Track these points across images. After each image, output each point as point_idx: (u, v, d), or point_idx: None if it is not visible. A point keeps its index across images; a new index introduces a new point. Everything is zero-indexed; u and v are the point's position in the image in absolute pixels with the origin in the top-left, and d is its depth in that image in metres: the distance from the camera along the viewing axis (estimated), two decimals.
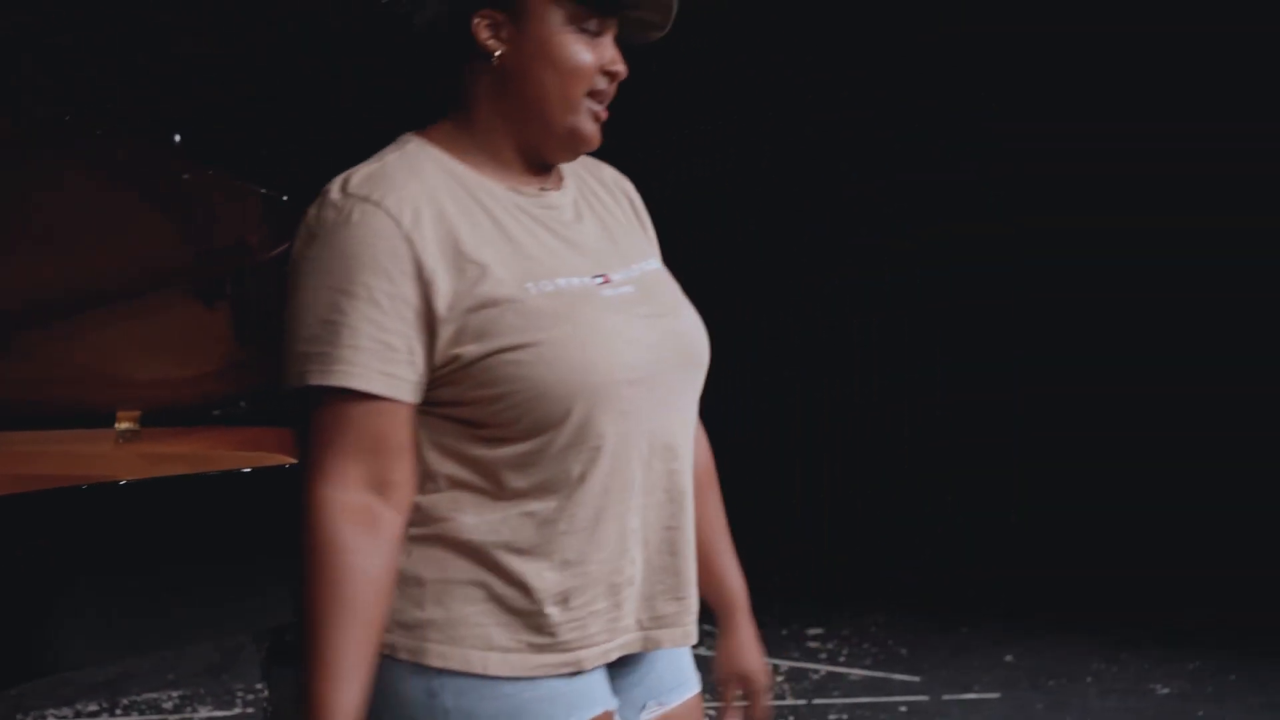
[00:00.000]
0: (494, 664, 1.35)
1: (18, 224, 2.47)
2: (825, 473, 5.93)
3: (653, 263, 1.50)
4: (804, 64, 5.77)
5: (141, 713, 3.97)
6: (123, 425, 2.77)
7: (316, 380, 1.32)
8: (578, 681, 1.38)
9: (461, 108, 1.43)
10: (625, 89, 1.48)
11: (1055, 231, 5.70)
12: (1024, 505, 5.72)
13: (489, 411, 1.34)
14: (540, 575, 1.36)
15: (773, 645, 4.61)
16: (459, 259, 1.34)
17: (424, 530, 1.36)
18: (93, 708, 3.97)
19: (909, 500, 5.82)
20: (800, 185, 5.94)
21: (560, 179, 1.48)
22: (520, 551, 1.36)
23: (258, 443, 2.77)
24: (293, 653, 2.49)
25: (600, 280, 1.40)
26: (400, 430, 1.34)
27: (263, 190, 2.42)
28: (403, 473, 1.34)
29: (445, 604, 1.35)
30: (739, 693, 1.62)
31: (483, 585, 1.36)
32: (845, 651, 4.51)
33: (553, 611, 1.36)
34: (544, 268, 1.38)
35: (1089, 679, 4.20)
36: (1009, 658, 4.41)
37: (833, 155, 5.87)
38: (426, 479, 1.37)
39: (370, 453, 1.33)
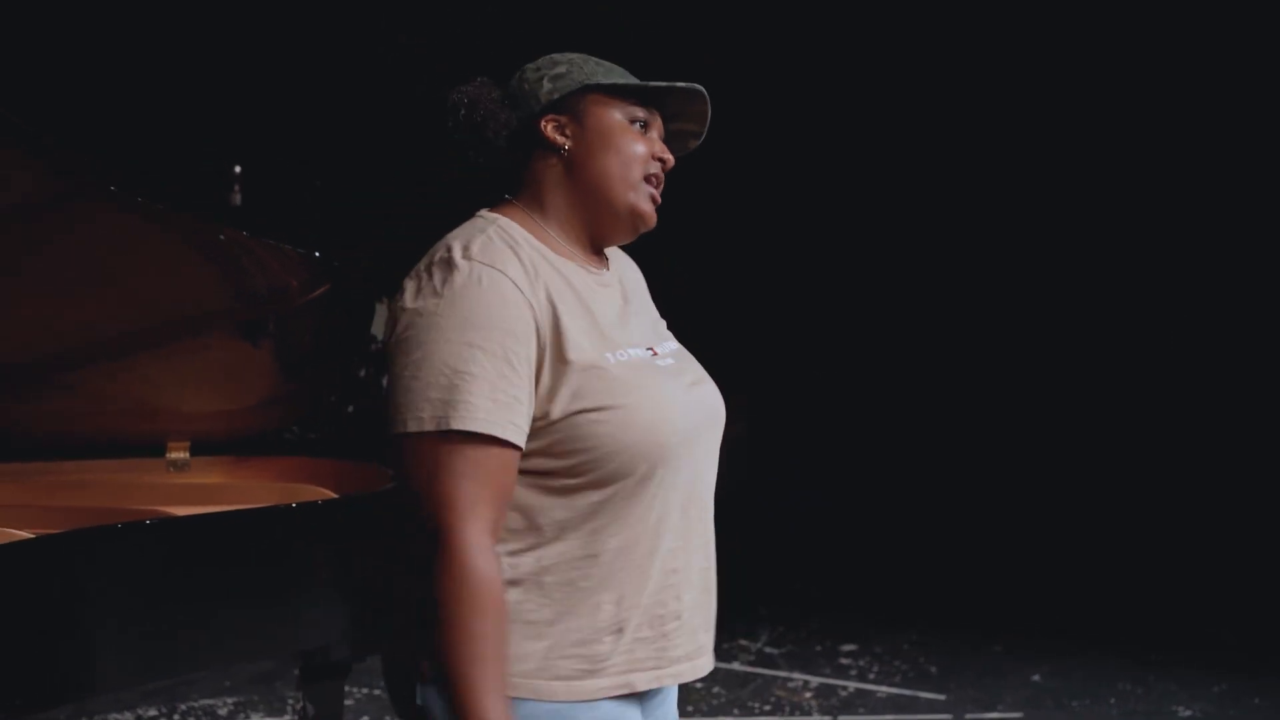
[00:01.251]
0: (560, 691, 1.53)
1: (74, 269, 2.64)
2: (864, 492, 6.01)
3: (674, 343, 1.71)
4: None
5: (198, 717, 4.17)
6: (174, 454, 2.96)
7: (459, 425, 1.46)
8: (627, 705, 1.57)
9: (530, 193, 1.63)
10: None
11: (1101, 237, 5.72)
12: (1062, 525, 5.77)
13: (568, 464, 1.52)
14: (600, 609, 1.54)
15: (805, 661, 4.74)
16: (556, 325, 1.53)
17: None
18: (152, 713, 4.18)
19: (949, 519, 5.89)
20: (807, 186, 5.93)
21: (607, 262, 1.68)
22: (582, 588, 1.54)
23: (297, 472, 2.95)
24: (329, 669, 2.67)
25: (650, 353, 1.61)
26: (514, 472, 1.51)
27: (299, 250, 2.59)
28: (505, 511, 1.52)
29: (514, 637, 1.51)
30: None
31: (547, 621, 1.53)
32: (875, 669, 4.61)
33: (609, 640, 1.55)
34: (615, 340, 1.58)
35: (1113, 700, 4.28)
36: (1036, 677, 4.49)
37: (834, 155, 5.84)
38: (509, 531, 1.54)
39: (498, 497, 1.49)
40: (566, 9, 5.46)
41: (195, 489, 2.80)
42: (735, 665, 4.60)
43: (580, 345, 1.53)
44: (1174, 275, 5.68)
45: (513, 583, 1.53)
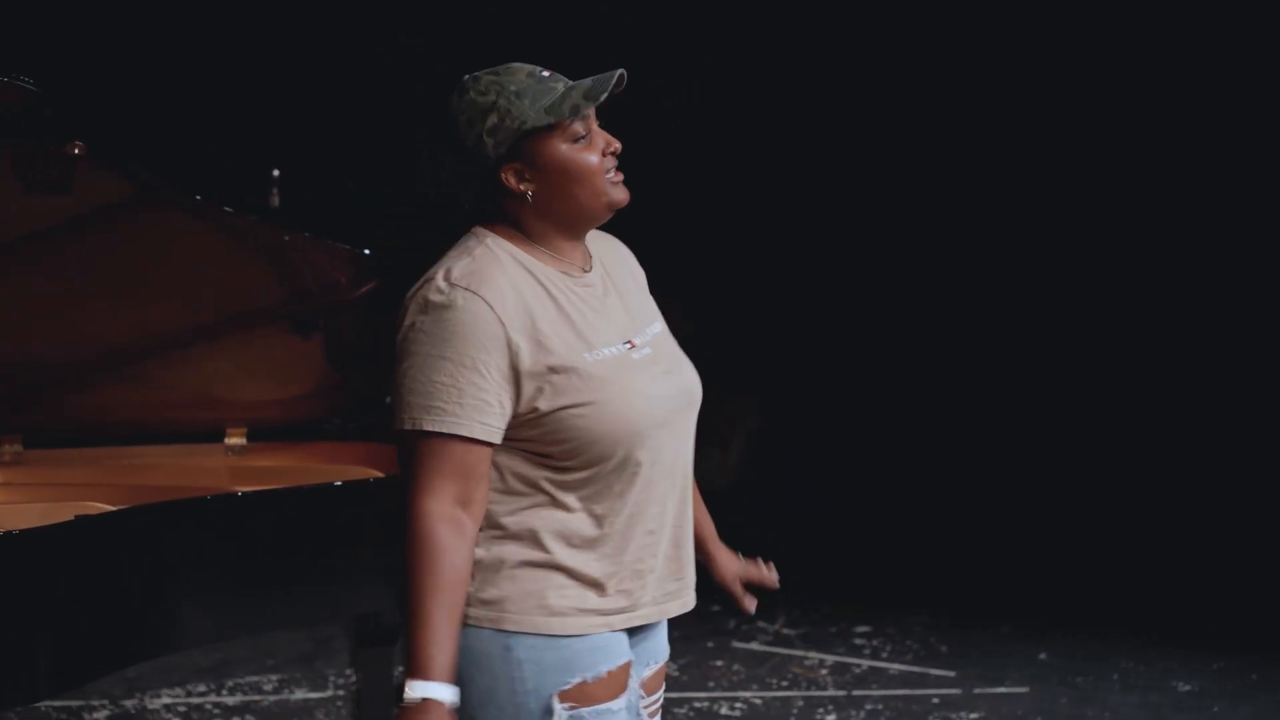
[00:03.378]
0: (555, 625, 1.82)
1: (142, 270, 2.88)
2: (876, 481, 6.14)
3: (658, 325, 1.96)
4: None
5: (245, 694, 4.40)
6: (232, 440, 3.19)
7: (429, 426, 1.77)
8: (612, 637, 1.86)
9: (512, 221, 1.87)
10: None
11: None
12: (1067, 510, 5.91)
13: (557, 450, 1.82)
14: (589, 564, 1.84)
15: (820, 641, 4.93)
16: (534, 334, 1.80)
17: (503, 531, 1.82)
18: (201, 688, 4.41)
19: (958, 507, 6.02)
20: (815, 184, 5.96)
21: (590, 260, 1.93)
22: (576, 546, 1.83)
23: (347, 456, 3.17)
24: (381, 635, 2.90)
25: (628, 346, 1.88)
26: (483, 463, 1.80)
27: (350, 248, 2.81)
28: (481, 493, 1.80)
29: (518, 582, 1.81)
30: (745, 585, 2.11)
31: (547, 568, 1.82)
32: (888, 648, 4.80)
33: (594, 592, 1.84)
34: (593, 341, 1.84)
35: (1115, 676, 4.47)
36: (1042, 655, 4.67)
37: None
38: (509, 494, 1.83)
39: (461, 478, 1.78)
40: (566, 9, 5.53)
41: (254, 470, 3.02)
42: (754, 645, 4.81)
43: (559, 350, 1.79)
44: (1183, 270, 5.78)
45: (516, 536, 1.81)
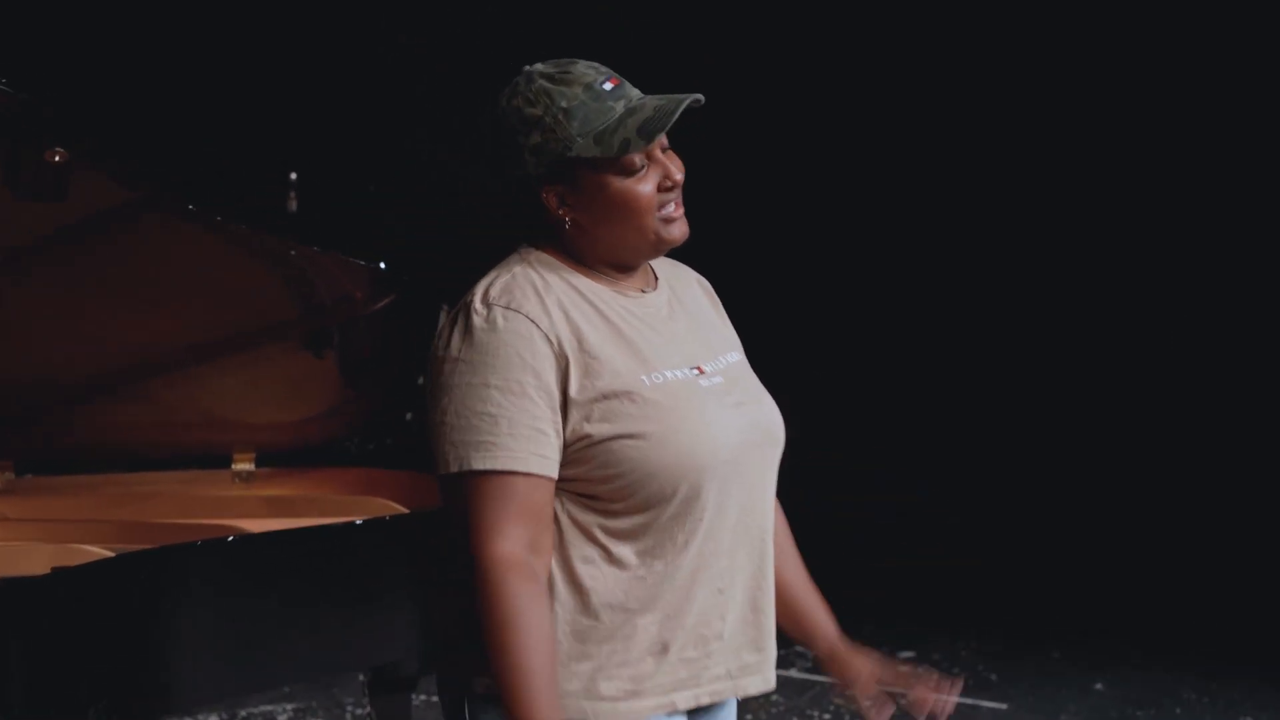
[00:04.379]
0: (605, 713, 1.57)
1: (142, 282, 2.67)
2: (920, 491, 5.97)
3: (734, 355, 1.71)
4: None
5: None
6: (239, 465, 2.98)
7: (480, 465, 1.53)
8: None
9: (558, 235, 1.64)
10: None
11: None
12: (1117, 526, 5.71)
13: (608, 488, 1.56)
14: (645, 630, 1.58)
15: None
16: (584, 356, 1.56)
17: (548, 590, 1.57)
18: (213, 719, 4.20)
19: (998, 521, 5.84)
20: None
21: (655, 280, 1.70)
22: (628, 610, 1.57)
23: (363, 482, 2.95)
24: (399, 682, 2.67)
25: (696, 372, 1.62)
26: (550, 501, 1.56)
27: (364, 262, 2.59)
28: (549, 536, 1.56)
29: (560, 660, 1.56)
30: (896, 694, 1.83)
31: (596, 641, 1.57)
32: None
33: (651, 661, 1.58)
34: (653, 363, 1.59)
35: (1178, 710, 4.22)
36: (1099, 685, 4.44)
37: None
38: (556, 552, 1.58)
39: (530, 520, 1.54)
40: (567, 9, 5.44)
41: (263, 501, 2.81)
42: (793, 672, 4.57)
43: (613, 371, 1.56)
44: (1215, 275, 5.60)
45: (561, 600, 1.57)
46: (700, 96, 1.61)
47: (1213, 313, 5.62)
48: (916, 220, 5.82)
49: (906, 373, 6.04)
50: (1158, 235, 5.56)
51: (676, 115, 1.59)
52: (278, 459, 3.01)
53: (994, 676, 4.55)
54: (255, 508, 2.77)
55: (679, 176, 1.63)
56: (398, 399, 3.76)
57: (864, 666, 1.80)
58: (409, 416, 4.07)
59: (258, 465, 2.98)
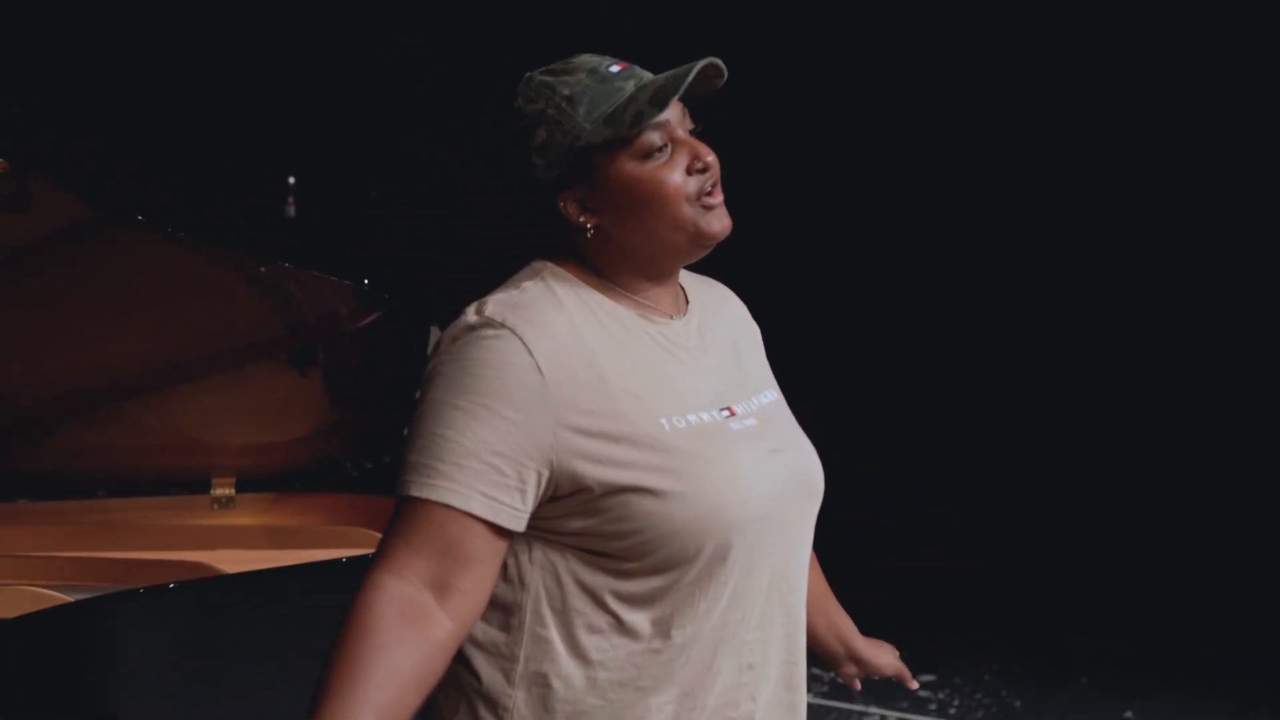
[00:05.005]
0: None
1: (113, 298, 2.55)
2: (937, 513, 5.83)
3: (770, 394, 1.50)
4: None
5: None
6: (219, 491, 2.83)
7: (417, 492, 1.32)
8: None
9: (580, 251, 1.44)
10: None
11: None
12: (1144, 546, 5.55)
13: (621, 545, 1.34)
14: (660, 711, 1.37)
15: (881, 694, 4.53)
16: (594, 391, 1.35)
17: (537, 667, 1.36)
18: None
19: (1020, 540, 5.69)
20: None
21: (686, 305, 1.48)
22: (640, 688, 1.36)
23: (350, 510, 2.80)
24: None
25: (726, 414, 1.41)
26: (479, 543, 1.33)
27: (346, 280, 2.45)
28: (470, 582, 1.32)
29: None
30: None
31: None
32: (956, 702, 4.41)
33: None
34: (676, 402, 1.38)
35: None
36: (1129, 714, 4.27)
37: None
38: (548, 612, 1.36)
39: (440, 554, 1.32)
40: (567, 9, 5.36)
41: (239, 531, 2.67)
42: (810, 697, 4.40)
43: (628, 410, 1.35)
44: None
45: (563, 677, 1.35)
46: (718, 61, 1.40)
47: (1231, 315, 5.48)
48: (916, 219, 5.72)
49: (910, 373, 5.92)
50: (1158, 236, 5.44)
51: (690, 78, 1.37)
52: (261, 484, 2.85)
53: (1018, 703, 4.38)
54: (232, 538, 2.62)
55: (710, 158, 1.41)
56: (393, 415, 3.62)
57: (882, 657, 1.76)
58: (406, 432, 3.95)
59: (239, 490, 2.83)
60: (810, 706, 3.80)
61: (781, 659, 1.44)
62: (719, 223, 1.41)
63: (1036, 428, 5.82)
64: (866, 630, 1.76)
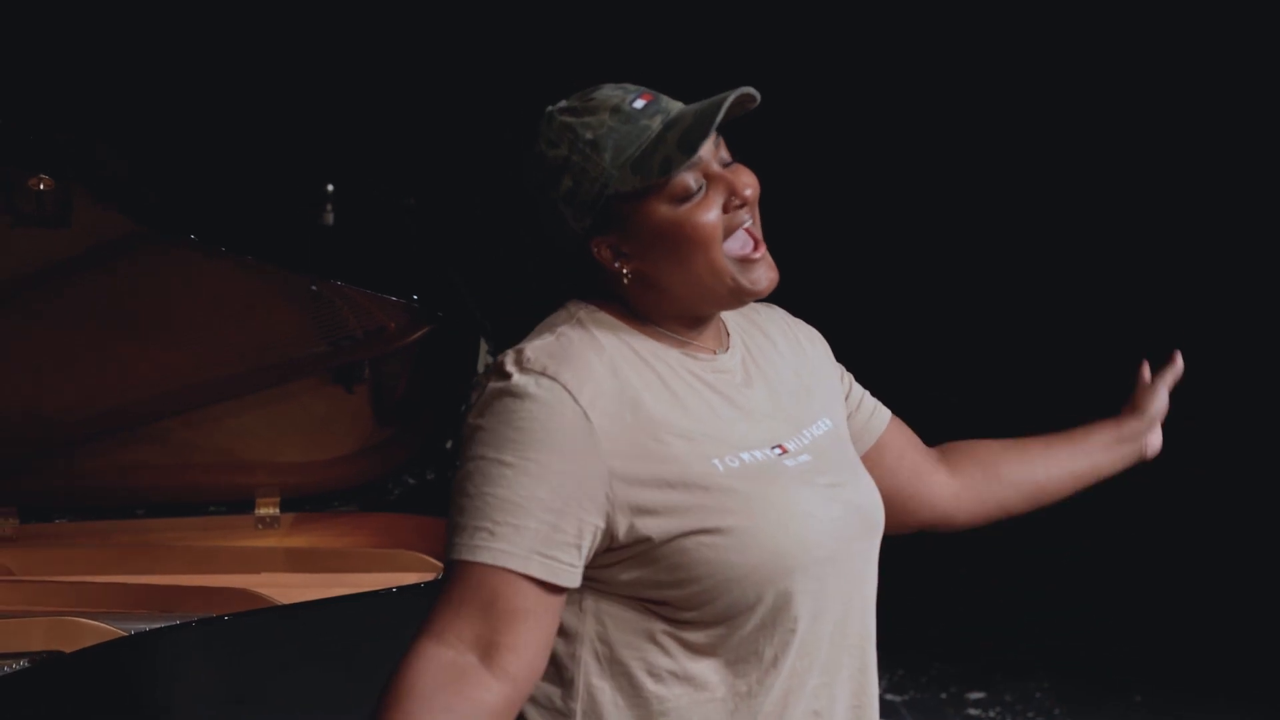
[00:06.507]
0: None
1: (156, 315, 2.51)
2: (989, 529, 5.76)
3: (824, 423, 1.43)
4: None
5: None
6: (263, 510, 2.77)
7: (469, 556, 1.27)
8: None
9: (618, 295, 1.38)
10: None
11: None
12: (1200, 559, 5.46)
13: (679, 594, 1.29)
14: None
15: (931, 711, 4.45)
16: (642, 435, 1.30)
17: None
18: None
19: (1072, 554, 5.61)
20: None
21: (728, 338, 1.43)
22: None
23: (396, 531, 2.74)
24: None
25: (778, 452, 1.36)
26: (535, 603, 1.27)
27: (396, 298, 2.39)
28: (517, 637, 1.26)
29: None
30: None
31: None
32: None
33: None
34: (727, 442, 1.33)
35: None
36: None
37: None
38: (604, 664, 1.31)
39: (493, 617, 1.26)
40: (566, 9, 5.36)
41: (286, 555, 2.61)
42: None
43: (679, 456, 1.31)
44: None
45: None
46: (752, 90, 1.33)
47: (1235, 315, 5.42)
48: (915, 219, 5.71)
49: (917, 375, 5.88)
50: (1160, 237, 5.42)
51: (720, 117, 1.31)
52: (306, 503, 2.79)
53: None
54: (276, 561, 2.56)
55: (748, 192, 1.35)
56: (439, 431, 3.57)
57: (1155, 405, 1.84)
58: (449, 445, 3.89)
59: (283, 510, 2.77)
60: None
61: (849, 705, 1.39)
62: (765, 279, 1.36)
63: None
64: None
